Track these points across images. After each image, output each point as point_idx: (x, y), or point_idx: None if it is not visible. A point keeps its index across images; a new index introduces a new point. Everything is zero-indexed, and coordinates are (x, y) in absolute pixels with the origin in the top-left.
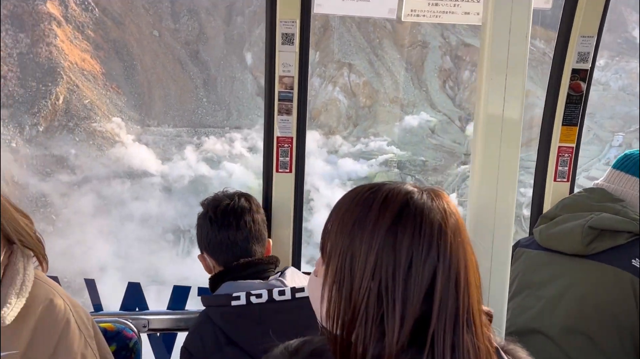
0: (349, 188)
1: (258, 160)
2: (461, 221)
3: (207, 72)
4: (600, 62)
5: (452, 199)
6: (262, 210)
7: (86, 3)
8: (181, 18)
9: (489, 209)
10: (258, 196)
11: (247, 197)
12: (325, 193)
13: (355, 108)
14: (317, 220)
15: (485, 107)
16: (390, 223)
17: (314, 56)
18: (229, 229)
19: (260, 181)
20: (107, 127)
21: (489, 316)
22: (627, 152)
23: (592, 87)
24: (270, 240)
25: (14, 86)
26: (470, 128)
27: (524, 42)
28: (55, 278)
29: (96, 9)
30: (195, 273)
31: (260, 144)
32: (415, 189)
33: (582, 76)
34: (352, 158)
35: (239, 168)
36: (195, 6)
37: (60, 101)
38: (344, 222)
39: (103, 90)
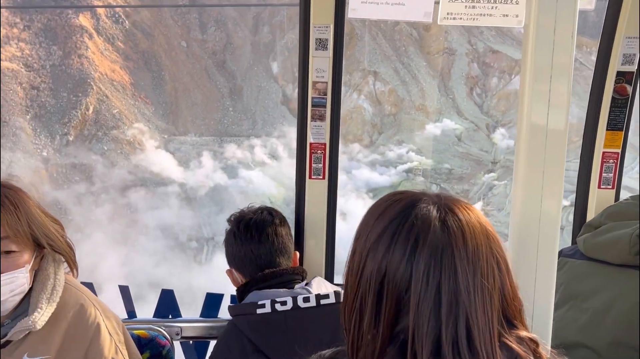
0: (367, 197)
1: (279, 167)
2: (464, 239)
3: (234, 81)
4: None
5: (476, 209)
6: (287, 224)
7: (117, 16)
8: (209, 29)
9: (533, 221)
10: (282, 203)
11: (271, 211)
12: (338, 201)
13: (381, 116)
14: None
15: (529, 116)
16: (381, 230)
17: None
18: (251, 242)
19: (282, 188)
20: (134, 136)
21: (534, 342)
22: None
23: None
24: (297, 253)
25: (46, 97)
26: (496, 136)
27: (569, 46)
28: (89, 285)
29: (126, 21)
30: (209, 281)
31: (279, 151)
32: (425, 200)
33: (628, 78)
34: (376, 166)
35: (261, 176)
36: (223, 17)
37: (90, 111)
38: (362, 222)
39: (132, 100)
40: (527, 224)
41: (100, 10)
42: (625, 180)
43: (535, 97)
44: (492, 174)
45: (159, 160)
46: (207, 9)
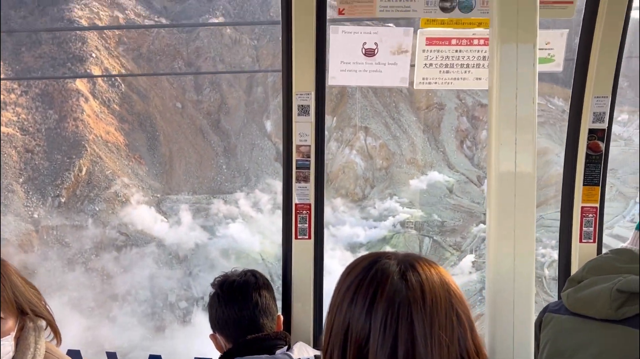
0: (360, 253)
1: (270, 221)
2: (422, 293)
3: (228, 140)
4: (622, 117)
5: (440, 267)
6: (271, 287)
7: (113, 79)
8: (204, 90)
9: (508, 266)
10: (273, 260)
11: (254, 273)
12: (330, 260)
13: (372, 170)
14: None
15: (497, 165)
16: (347, 285)
17: (331, 121)
18: (235, 305)
19: (267, 242)
20: (126, 196)
21: None
22: None
23: (614, 143)
24: (281, 316)
25: (40, 159)
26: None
27: (531, 105)
28: (77, 352)
29: (122, 85)
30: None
31: (262, 204)
32: (389, 256)
33: (600, 136)
34: (368, 220)
35: (245, 231)
36: (218, 78)
37: (83, 172)
38: (337, 281)
39: (126, 161)
40: (501, 270)
41: (97, 74)
42: (616, 229)
43: (503, 147)
44: (483, 226)
45: (150, 219)
46: (203, 71)
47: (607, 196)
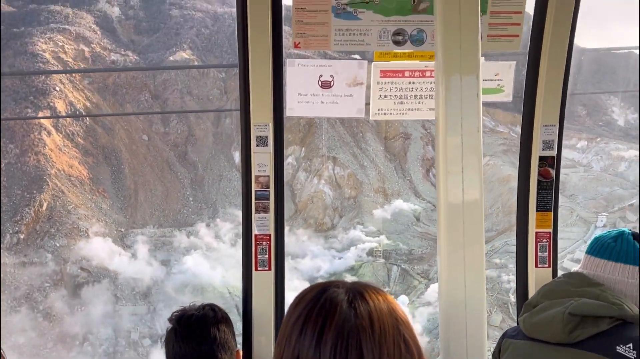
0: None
1: (231, 254)
2: (371, 321)
3: (195, 172)
4: (581, 144)
5: (387, 294)
6: (230, 321)
7: (78, 112)
8: (171, 122)
9: (459, 296)
10: (239, 292)
11: (213, 307)
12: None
13: (341, 199)
14: None
15: (445, 194)
16: (296, 316)
17: (299, 152)
18: (192, 340)
19: (232, 275)
20: (88, 230)
21: None
22: (596, 235)
23: (573, 169)
24: (240, 351)
25: None
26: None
27: (476, 134)
28: None
29: (87, 118)
30: None
31: (227, 236)
32: (337, 285)
33: (550, 163)
34: (336, 250)
35: (211, 265)
36: (185, 110)
37: (44, 207)
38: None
39: (89, 195)
40: (452, 299)
41: (61, 108)
42: (577, 254)
43: (450, 177)
44: None
45: (113, 254)
46: (170, 104)
47: (568, 222)
